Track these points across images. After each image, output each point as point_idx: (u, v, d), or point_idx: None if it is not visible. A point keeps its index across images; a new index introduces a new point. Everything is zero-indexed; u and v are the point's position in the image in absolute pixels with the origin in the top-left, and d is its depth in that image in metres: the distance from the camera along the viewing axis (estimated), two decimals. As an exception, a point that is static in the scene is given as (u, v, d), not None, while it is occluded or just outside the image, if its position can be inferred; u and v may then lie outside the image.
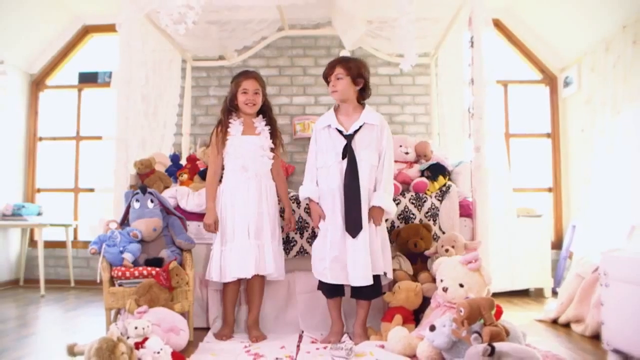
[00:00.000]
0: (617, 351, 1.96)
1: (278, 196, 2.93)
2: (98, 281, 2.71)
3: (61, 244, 4.82)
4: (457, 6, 3.44)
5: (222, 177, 2.89)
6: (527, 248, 4.17)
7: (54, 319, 3.50)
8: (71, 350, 2.24)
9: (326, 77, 2.76)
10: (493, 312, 2.14)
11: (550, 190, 4.82)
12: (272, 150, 2.89)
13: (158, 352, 2.01)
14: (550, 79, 4.82)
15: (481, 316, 2.08)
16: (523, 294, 4.31)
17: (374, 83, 4.65)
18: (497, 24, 4.80)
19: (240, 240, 2.72)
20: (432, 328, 2.16)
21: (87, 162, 5.04)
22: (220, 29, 4.00)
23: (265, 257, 2.73)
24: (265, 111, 2.94)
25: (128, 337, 2.21)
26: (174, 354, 2.16)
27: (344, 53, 4.44)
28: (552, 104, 4.82)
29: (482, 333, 2.00)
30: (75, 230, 4.99)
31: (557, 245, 4.62)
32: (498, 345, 1.90)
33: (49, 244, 4.70)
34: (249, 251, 2.69)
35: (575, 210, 4.51)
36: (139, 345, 2.14)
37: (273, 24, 4.28)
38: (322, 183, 2.69)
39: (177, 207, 3.11)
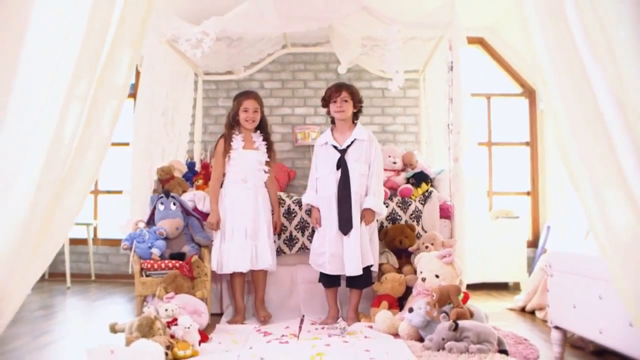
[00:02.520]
0: (557, 328, 2.43)
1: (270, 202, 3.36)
2: (130, 272, 3.18)
3: (83, 241, 5.27)
4: (441, 30, 3.87)
5: (222, 182, 3.31)
6: (505, 246, 4.63)
7: (82, 307, 3.96)
8: (113, 328, 2.68)
9: (330, 96, 3.19)
10: (460, 297, 2.61)
11: (528, 194, 5.29)
12: (267, 163, 3.32)
13: (188, 328, 2.46)
14: (529, 92, 5.29)
15: (450, 300, 2.56)
16: (502, 287, 4.76)
17: (368, 95, 5.18)
18: (482, 42, 5.27)
19: (238, 240, 3.16)
20: (411, 310, 2.63)
21: (106, 166, 5.48)
22: (230, 48, 4.47)
23: (261, 254, 3.17)
24: (262, 127, 3.36)
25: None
26: (198, 331, 2.63)
27: (341, 68, 4.90)
28: (531, 115, 5.29)
29: (450, 313, 2.48)
30: (95, 229, 5.45)
31: (534, 243, 5.09)
32: (461, 322, 2.37)
33: (71, 241, 5.14)
34: (245, 250, 3.14)
35: (551, 212, 4.98)
36: (169, 324, 2.61)
37: (277, 42, 4.76)
38: (321, 190, 3.16)
39: (195, 209, 3.57)
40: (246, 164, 3.26)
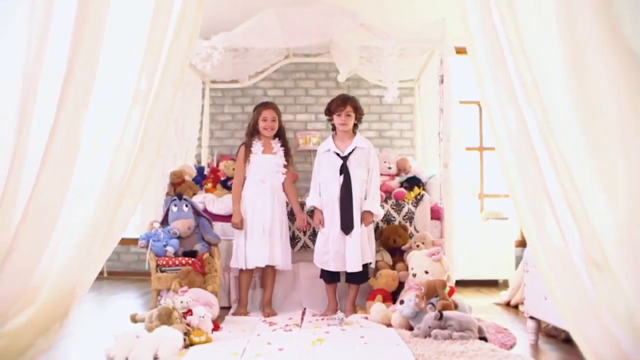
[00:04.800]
0: (532, 318, 2.73)
1: (290, 203, 3.66)
2: (146, 269, 3.47)
3: (95, 240, 5.56)
4: (433, 45, 4.16)
5: (243, 185, 3.59)
6: (495, 245, 4.89)
7: (98, 301, 4.24)
8: (133, 318, 2.98)
9: (334, 109, 3.44)
10: (446, 290, 2.90)
11: (517, 196, 5.56)
12: (284, 166, 3.60)
13: (203, 317, 2.76)
14: (519, 100, 5.56)
15: (437, 293, 2.85)
16: (492, 284, 5.04)
17: (366, 103, 5.47)
18: (473, 52, 5.55)
19: (258, 237, 3.45)
20: (401, 302, 2.93)
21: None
22: (236, 59, 4.75)
23: (276, 252, 3.47)
24: (280, 134, 3.65)
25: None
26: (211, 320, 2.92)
27: (341, 77, 5.18)
28: (520, 122, 5.56)
29: (436, 305, 2.77)
30: (107, 228, 5.73)
31: (523, 243, 5.35)
32: (446, 313, 2.67)
33: (85, 240, 5.43)
34: (264, 246, 3.43)
35: (538, 213, 5.25)
36: (184, 315, 2.90)
37: (280, 53, 5.06)
38: (324, 194, 3.45)
39: (205, 210, 3.87)
40: (265, 166, 3.53)
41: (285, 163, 3.62)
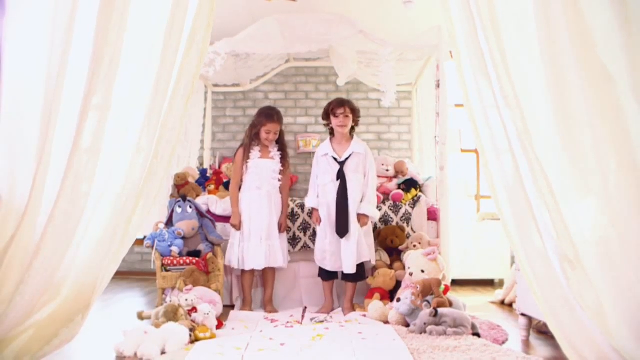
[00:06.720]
0: (524, 315, 2.85)
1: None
2: (152, 268, 3.59)
3: (100, 241, 5.68)
4: (429, 52, 4.29)
5: (241, 187, 3.73)
6: (491, 245, 5.01)
7: (103, 300, 4.34)
8: (140, 316, 3.09)
9: (332, 110, 3.53)
10: (441, 289, 3.02)
11: (513, 197, 5.68)
12: (280, 172, 3.71)
13: (207, 314, 2.87)
14: (514, 103, 5.68)
15: (432, 291, 2.96)
16: (488, 283, 5.16)
17: (365, 106, 5.59)
18: (470, 56, 5.67)
19: (255, 241, 3.57)
20: (398, 300, 3.04)
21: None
22: (238, 64, 4.87)
23: (276, 253, 3.59)
24: (279, 140, 3.76)
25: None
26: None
27: (340, 81, 5.30)
28: (516, 125, 5.68)
29: (431, 302, 2.88)
30: (111, 229, 5.85)
31: (518, 243, 5.48)
32: (440, 310, 2.78)
33: (89, 240, 5.55)
34: (261, 249, 3.55)
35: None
36: (189, 312, 3.01)
37: (281, 57, 5.18)
38: (321, 197, 3.57)
39: (208, 211, 3.98)
40: (261, 172, 3.64)
41: (282, 168, 3.72)
